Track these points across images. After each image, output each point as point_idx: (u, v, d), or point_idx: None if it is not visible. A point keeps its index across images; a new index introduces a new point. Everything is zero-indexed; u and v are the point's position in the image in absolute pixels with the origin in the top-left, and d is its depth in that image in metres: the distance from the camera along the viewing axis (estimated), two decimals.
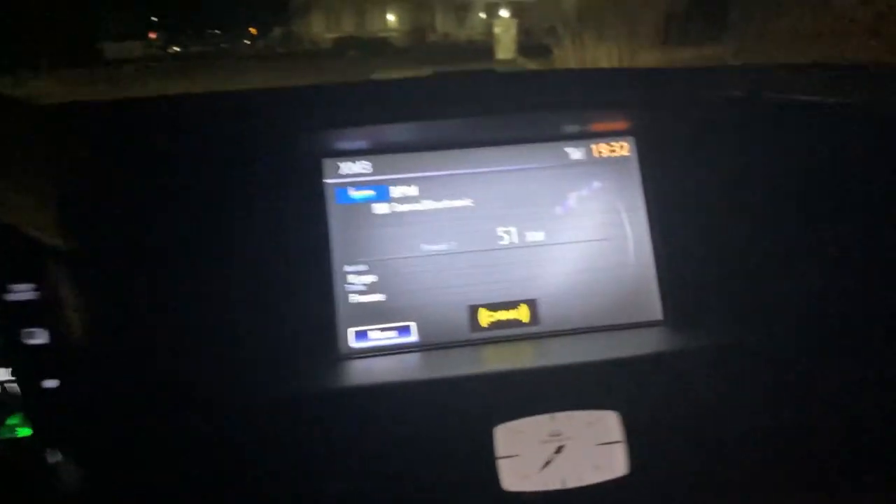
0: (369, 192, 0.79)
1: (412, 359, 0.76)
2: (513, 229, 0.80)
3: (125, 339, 0.70)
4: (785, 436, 0.71)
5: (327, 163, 0.79)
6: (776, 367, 0.71)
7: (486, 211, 0.80)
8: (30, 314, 0.67)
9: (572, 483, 0.67)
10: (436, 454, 0.67)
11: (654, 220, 0.81)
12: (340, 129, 0.77)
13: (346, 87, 0.84)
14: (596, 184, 0.82)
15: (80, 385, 0.67)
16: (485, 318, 0.78)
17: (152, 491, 0.66)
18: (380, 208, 0.79)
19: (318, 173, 0.79)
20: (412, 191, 0.80)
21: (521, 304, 0.79)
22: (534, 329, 0.79)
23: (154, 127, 0.76)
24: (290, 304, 0.74)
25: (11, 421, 0.67)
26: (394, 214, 0.79)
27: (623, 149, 0.83)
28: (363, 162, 0.80)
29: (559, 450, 0.68)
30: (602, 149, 0.82)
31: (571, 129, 0.82)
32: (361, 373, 0.73)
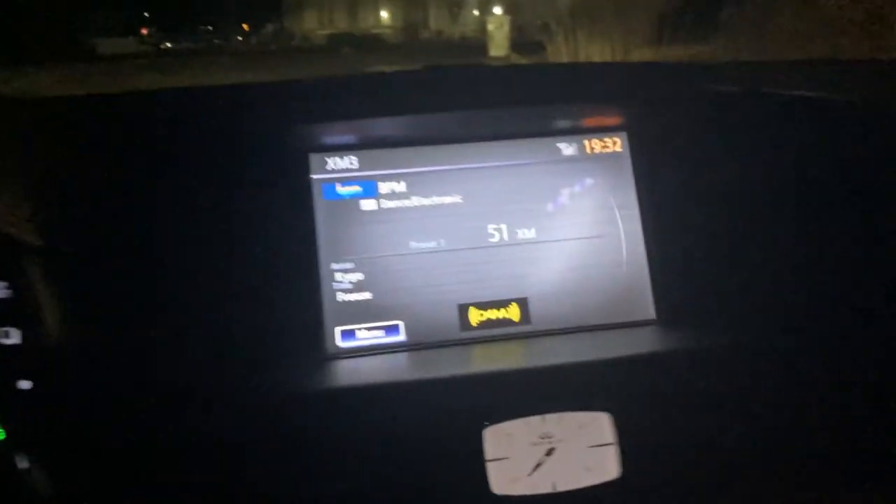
0: (356, 188, 0.78)
1: (400, 359, 0.75)
2: (503, 226, 0.79)
3: (103, 338, 0.69)
4: (780, 436, 0.70)
5: (314, 157, 0.78)
6: (771, 367, 0.71)
7: (476, 208, 0.79)
8: (2, 313, 0.65)
9: (563, 486, 0.66)
10: (424, 456, 0.66)
11: (647, 218, 0.80)
12: (328, 122, 0.76)
13: (334, 80, 0.83)
14: (588, 180, 0.81)
15: (56, 386, 0.65)
16: (475, 317, 0.77)
17: (131, 494, 0.65)
18: (367, 205, 0.78)
19: (304, 168, 0.78)
20: (400, 187, 0.78)
21: (512, 303, 0.78)
22: (525, 328, 0.78)
23: (135, 122, 0.75)
24: (276, 303, 0.73)
25: None
26: (381, 211, 0.78)
27: (616, 144, 0.82)
28: (350, 157, 0.78)
29: (550, 452, 0.67)
30: (595, 144, 0.81)
31: (563, 124, 0.81)
32: (348, 373, 0.72)
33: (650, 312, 0.79)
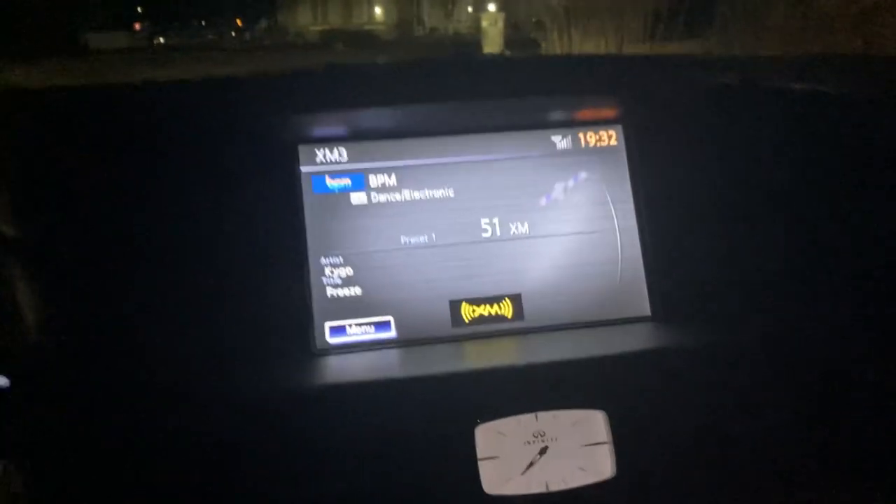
0: (346, 181, 0.77)
1: (391, 355, 0.74)
2: (496, 221, 0.78)
3: (86, 334, 0.68)
4: (778, 434, 0.69)
5: (303, 149, 0.77)
6: (768, 364, 0.70)
7: (468, 202, 0.78)
8: None
9: (556, 486, 0.65)
10: (414, 455, 0.65)
11: (642, 213, 0.79)
12: (318, 112, 0.75)
13: (323, 70, 0.82)
14: (583, 174, 0.80)
15: (35, 384, 0.64)
16: (467, 313, 0.76)
17: (112, 492, 0.63)
18: (357, 198, 0.77)
19: (294, 160, 0.76)
20: (391, 180, 0.77)
21: (505, 299, 0.77)
22: (518, 325, 0.77)
23: (121, 114, 0.74)
24: (264, 298, 0.72)
25: None
26: (372, 205, 0.77)
27: (611, 138, 0.81)
28: (340, 149, 0.77)
29: (543, 451, 0.66)
30: (589, 138, 0.80)
31: (558, 116, 0.80)
32: (337, 370, 0.71)
33: (645, 309, 0.78)
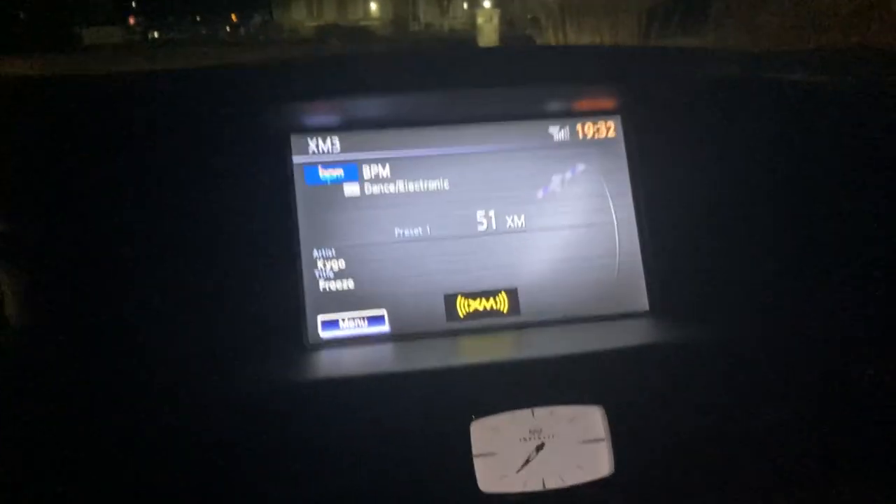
0: (338, 172, 0.76)
1: (384, 350, 0.73)
2: (492, 214, 0.77)
3: (73, 329, 0.67)
4: (777, 431, 0.69)
5: (296, 139, 0.76)
6: (768, 360, 0.69)
7: (463, 194, 0.77)
8: None
9: (553, 484, 0.64)
10: (408, 451, 0.64)
11: (640, 206, 0.78)
12: (310, 101, 0.74)
13: (316, 59, 0.81)
14: (580, 166, 0.79)
15: (20, 379, 0.63)
16: (462, 307, 0.75)
17: (101, 489, 0.62)
18: (350, 190, 0.76)
19: (286, 150, 0.75)
20: (384, 171, 0.76)
21: (501, 293, 0.76)
22: (514, 319, 0.76)
23: (110, 104, 0.72)
24: (255, 291, 0.70)
25: None
26: (365, 196, 0.76)
27: (609, 129, 0.80)
28: (333, 138, 0.76)
29: (539, 448, 0.65)
30: (587, 129, 0.79)
31: (555, 106, 0.79)
32: (330, 364, 0.70)
33: (643, 303, 0.77)
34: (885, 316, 0.72)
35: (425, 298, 0.75)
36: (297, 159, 0.75)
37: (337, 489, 0.64)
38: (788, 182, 0.76)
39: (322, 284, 0.74)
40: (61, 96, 0.73)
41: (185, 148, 0.71)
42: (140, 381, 0.64)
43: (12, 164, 0.69)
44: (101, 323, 0.67)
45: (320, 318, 0.74)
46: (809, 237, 0.75)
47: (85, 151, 0.70)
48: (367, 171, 0.76)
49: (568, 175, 0.78)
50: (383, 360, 0.72)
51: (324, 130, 0.76)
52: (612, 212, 0.78)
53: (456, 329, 0.75)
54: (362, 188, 0.76)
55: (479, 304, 0.76)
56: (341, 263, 0.74)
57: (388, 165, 0.76)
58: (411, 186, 0.76)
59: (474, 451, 0.64)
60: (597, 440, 0.65)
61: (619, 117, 0.80)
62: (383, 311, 0.74)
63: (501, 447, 0.64)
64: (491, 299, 0.76)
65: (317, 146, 0.76)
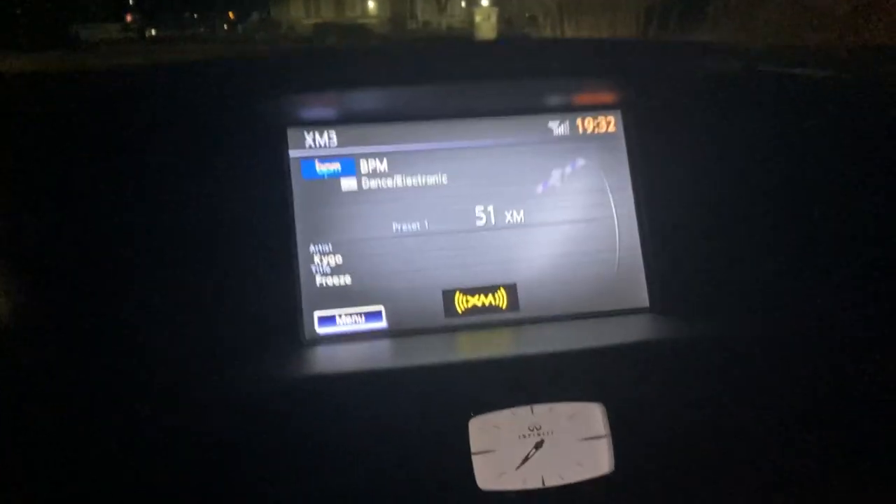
0: (335, 166, 0.75)
1: (382, 346, 0.72)
2: (491, 209, 0.76)
3: (69, 327, 0.66)
4: (776, 427, 0.68)
5: (292, 133, 0.75)
6: (769, 357, 0.69)
7: (462, 189, 0.76)
8: None
9: (553, 481, 0.64)
10: (406, 449, 0.63)
11: (641, 201, 0.78)
12: (306, 94, 0.73)
13: (313, 51, 0.80)
14: (580, 161, 0.78)
15: (12, 380, 0.62)
16: (460, 303, 0.75)
17: (98, 487, 0.62)
18: (348, 184, 0.75)
19: (282, 144, 0.75)
20: (382, 165, 0.76)
21: (500, 289, 0.75)
22: (513, 315, 0.75)
23: (105, 98, 0.72)
24: (251, 287, 0.70)
25: None
26: (363, 191, 0.75)
27: (609, 124, 0.79)
28: (330, 132, 0.75)
29: (539, 445, 0.64)
30: (587, 123, 0.79)
31: (555, 101, 0.79)
32: (327, 360, 0.70)
33: (644, 299, 0.77)
34: (885, 313, 0.71)
35: (423, 294, 0.74)
36: (293, 153, 0.75)
37: (335, 486, 0.63)
38: (789, 177, 0.76)
39: (319, 280, 0.73)
40: (57, 93, 0.73)
41: (181, 142, 0.71)
42: (134, 376, 0.63)
43: (8, 160, 0.68)
44: (97, 319, 0.66)
45: (317, 313, 0.73)
46: (811, 232, 0.74)
47: (81, 147, 0.70)
48: (365, 166, 0.75)
49: (568, 170, 0.78)
50: (381, 356, 0.71)
51: (321, 124, 0.75)
52: (612, 207, 0.78)
53: (454, 325, 0.74)
54: (360, 182, 0.75)
55: (477, 300, 0.75)
56: (338, 259, 0.74)
57: (385, 160, 0.76)
58: (409, 181, 0.76)
59: (473, 448, 0.63)
60: (597, 437, 0.65)
61: (619, 112, 0.79)
62: (381, 307, 0.74)
63: (500, 444, 0.64)
64: (490, 295, 0.75)
65: (314, 140, 0.75)
